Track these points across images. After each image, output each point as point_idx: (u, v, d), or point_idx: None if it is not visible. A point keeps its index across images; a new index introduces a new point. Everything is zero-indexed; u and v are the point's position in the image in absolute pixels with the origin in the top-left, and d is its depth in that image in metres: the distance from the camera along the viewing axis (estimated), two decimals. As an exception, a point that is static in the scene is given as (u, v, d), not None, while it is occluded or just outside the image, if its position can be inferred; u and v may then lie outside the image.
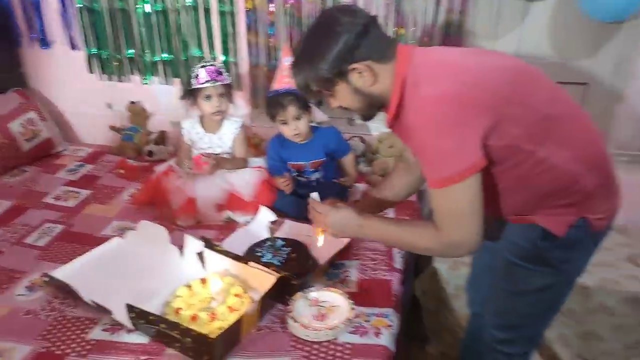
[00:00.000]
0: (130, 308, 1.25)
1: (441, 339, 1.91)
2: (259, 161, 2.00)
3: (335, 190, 1.92)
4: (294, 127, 1.77)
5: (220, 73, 1.85)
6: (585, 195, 1.10)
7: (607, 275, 1.72)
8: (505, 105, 1.02)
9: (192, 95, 1.88)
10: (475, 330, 1.47)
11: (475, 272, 1.52)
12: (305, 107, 1.77)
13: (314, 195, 1.31)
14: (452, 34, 2.00)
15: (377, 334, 1.26)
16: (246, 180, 1.86)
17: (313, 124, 1.89)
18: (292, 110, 1.74)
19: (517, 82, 1.06)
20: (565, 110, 1.10)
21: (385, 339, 1.25)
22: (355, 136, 2.26)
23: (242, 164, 1.95)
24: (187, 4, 2.24)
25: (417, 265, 2.00)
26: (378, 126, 2.24)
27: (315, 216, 1.28)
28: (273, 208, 1.79)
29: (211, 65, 1.85)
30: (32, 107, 2.45)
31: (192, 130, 1.97)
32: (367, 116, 1.20)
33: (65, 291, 1.42)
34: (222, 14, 2.23)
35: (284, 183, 1.81)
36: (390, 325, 1.30)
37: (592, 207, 1.12)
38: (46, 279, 1.46)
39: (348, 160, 1.97)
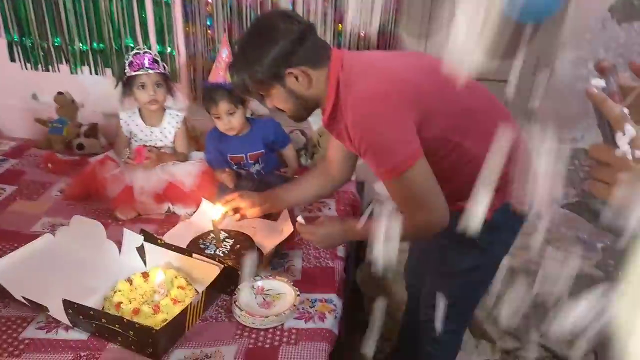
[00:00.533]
0: (68, 304, 1.20)
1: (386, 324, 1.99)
2: (199, 154, 1.98)
3: (277, 182, 1.94)
4: (226, 121, 1.76)
5: (155, 61, 1.80)
6: (507, 181, 1.18)
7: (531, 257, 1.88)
8: (428, 100, 1.10)
9: (127, 84, 1.81)
10: (412, 311, 1.56)
11: (412, 256, 1.61)
12: (239, 102, 1.75)
13: (299, 218, 1.38)
14: (386, 32, 2.09)
15: (322, 319, 1.30)
16: (187, 170, 1.83)
17: (251, 117, 1.90)
18: (223, 105, 1.72)
19: (436, 79, 1.11)
20: (482, 104, 1.20)
21: (330, 323, 1.29)
22: (295, 129, 2.28)
23: (183, 158, 1.92)
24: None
25: (358, 253, 2.07)
26: (318, 119, 2.28)
27: (304, 236, 1.36)
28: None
29: (145, 52, 1.80)
30: (-56, 98, 2.25)
31: (131, 122, 1.90)
32: (299, 117, 1.26)
33: (-8, 291, 1.33)
34: (156, 3, 2.17)
35: (225, 177, 1.81)
36: (333, 310, 1.34)
37: (512, 191, 1.19)
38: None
39: (288, 152, 1.99)
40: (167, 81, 1.87)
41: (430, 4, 2.03)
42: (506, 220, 1.25)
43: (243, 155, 1.87)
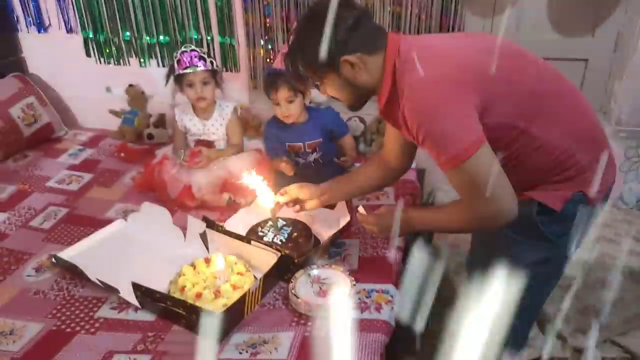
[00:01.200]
0: (137, 287, 1.28)
1: (442, 315, 1.94)
2: (256, 143, 2.01)
3: (335, 171, 1.93)
4: (285, 109, 1.76)
5: (202, 58, 1.82)
6: (579, 169, 1.11)
7: (607, 251, 1.75)
8: (491, 85, 1.04)
9: (177, 81, 1.86)
10: None
11: (474, 248, 1.54)
12: (298, 90, 1.75)
13: (360, 209, 1.37)
14: (448, 12, 1.99)
15: (378, 309, 1.29)
16: (242, 164, 1.84)
17: (311, 105, 1.90)
18: (283, 92, 1.72)
19: (502, 61, 1.05)
20: (552, 86, 1.11)
21: (386, 314, 1.28)
22: (354, 116, 2.26)
23: (237, 149, 1.94)
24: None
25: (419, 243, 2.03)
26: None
27: (365, 226, 1.34)
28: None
29: (192, 50, 1.82)
30: (31, 92, 2.45)
31: (184, 117, 1.94)
32: (355, 106, 1.22)
33: (72, 272, 1.45)
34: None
35: (284, 166, 1.82)
36: (390, 301, 1.33)
37: (586, 181, 1.13)
38: (53, 260, 1.49)
39: (347, 141, 1.97)
40: (216, 76, 1.88)
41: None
42: (579, 212, 1.16)
43: (301, 144, 1.88)
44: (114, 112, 2.52)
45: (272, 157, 1.89)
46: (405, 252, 1.63)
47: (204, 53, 1.85)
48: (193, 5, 2.27)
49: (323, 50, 1.08)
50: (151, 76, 2.49)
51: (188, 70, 1.80)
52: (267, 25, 2.21)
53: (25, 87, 2.44)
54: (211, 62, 1.85)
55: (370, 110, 2.23)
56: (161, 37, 2.38)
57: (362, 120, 2.27)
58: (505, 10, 1.95)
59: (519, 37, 1.92)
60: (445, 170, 1.07)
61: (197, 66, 1.80)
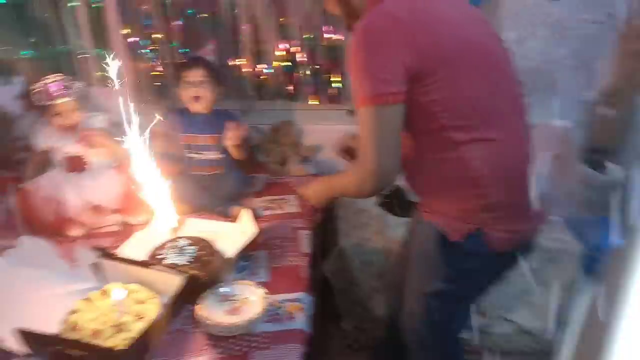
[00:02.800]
0: (22, 333, 1.13)
1: (353, 313, 2.00)
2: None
3: (234, 180, 1.90)
4: (195, 90, 1.77)
5: (69, 87, 1.71)
6: (486, 205, 1.07)
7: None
8: (438, 62, 0.99)
9: (41, 109, 1.71)
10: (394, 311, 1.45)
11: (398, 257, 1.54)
12: (213, 80, 1.79)
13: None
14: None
15: (292, 319, 1.28)
16: (106, 190, 1.74)
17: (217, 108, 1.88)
18: (197, 71, 1.76)
19: (473, 54, 1.03)
20: (505, 109, 1.07)
21: (300, 322, 1.27)
22: (251, 126, 2.24)
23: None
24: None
25: (324, 246, 2.07)
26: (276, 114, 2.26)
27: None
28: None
29: (57, 80, 1.70)
30: None
31: (48, 139, 1.77)
32: (347, 25, 1.18)
33: None
34: (89, 5, 2.06)
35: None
36: (303, 308, 1.32)
37: (491, 221, 1.08)
38: None
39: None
40: (87, 97, 1.79)
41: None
42: (478, 252, 1.11)
43: (201, 135, 1.84)
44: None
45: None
46: (313, 256, 1.64)
47: (69, 79, 1.73)
48: (58, 15, 2.08)
49: None
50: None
51: (57, 101, 1.68)
52: (146, 35, 2.11)
53: None
54: (78, 87, 1.75)
55: (265, 120, 2.25)
56: (25, 52, 2.15)
57: (258, 130, 2.26)
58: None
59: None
60: (357, 108, 1.02)
61: (66, 95, 1.69)
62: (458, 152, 1.04)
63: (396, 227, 1.92)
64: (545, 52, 2.10)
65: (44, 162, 1.77)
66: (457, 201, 1.10)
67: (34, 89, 1.69)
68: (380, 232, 1.92)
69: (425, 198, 1.21)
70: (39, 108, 1.72)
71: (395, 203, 2.00)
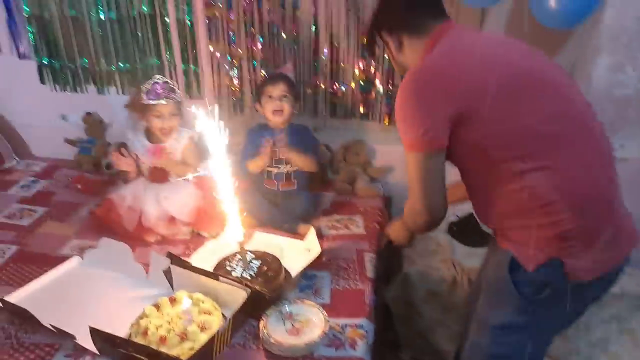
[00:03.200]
0: (95, 332, 1.19)
1: (413, 344, 1.92)
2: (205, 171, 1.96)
3: (304, 197, 1.92)
4: (277, 102, 1.83)
5: (172, 90, 1.80)
6: (562, 233, 1.03)
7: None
8: (481, 101, 1.02)
9: (142, 109, 1.81)
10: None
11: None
12: (293, 94, 1.87)
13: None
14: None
15: (353, 346, 1.25)
16: (182, 204, 1.78)
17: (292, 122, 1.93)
18: (280, 86, 1.83)
19: (515, 84, 1.04)
20: (569, 135, 1.04)
21: (361, 350, 1.24)
22: (321, 144, 2.25)
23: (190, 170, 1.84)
24: (144, 12, 2.18)
25: (388, 271, 2.01)
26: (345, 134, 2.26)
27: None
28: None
29: (164, 82, 1.79)
30: (-22, 120, 2.31)
31: (136, 142, 1.88)
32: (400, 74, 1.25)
33: (22, 317, 1.33)
34: (179, 22, 2.18)
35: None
36: (365, 336, 1.29)
37: (568, 250, 1.04)
38: (0, 304, 1.37)
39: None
40: (180, 106, 1.85)
41: (456, 11, 1.96)
42: (555, 282, 1.06)
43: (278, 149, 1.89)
44: (70, 141, 2.41)
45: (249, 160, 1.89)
46: (376, 282, 1.61)
47: (173, 85, 1.82)
48: (154, 31, 2.22)
49: (372, 24, 1.25)
50: (110, 104, 2.41)
51: (161, 102, 1.77)
52: (232, 52, 2.19)
53: (-28, 115, 2.31)
54: (179, 95, 1.83)
55: (337, 139, 2.25)
56: (120, 64, 2.31)
57: (328, 148, 2.26)
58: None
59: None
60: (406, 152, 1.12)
61: (168, 97, 1.78)
62: (523, 181, 1.03)
63: (466, 257, 1.84)
64: (644, 80, 1.94)
65: (132, 168, 1.87)
66: (532, 230, 1.06)
67: (142, 89, 1.79)
68: (447, 261, 1.84)
69: (499, 228, 1.17)
70: (141, 110, 1.81)
71: (466, 231, 1.91)
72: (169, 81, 1.82)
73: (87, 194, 2.09)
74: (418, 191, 1.11)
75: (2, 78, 2.46)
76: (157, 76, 1.82)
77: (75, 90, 2.42)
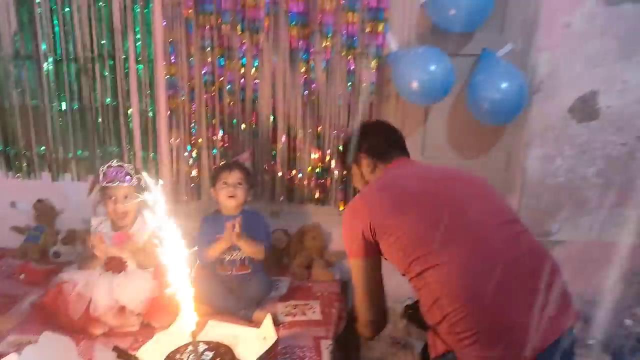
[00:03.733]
0: None
1: None
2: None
3: (262, 284, 1.91)
4: (232, 189, 1.89)
5: (128, 174, 1.83)
6: (451, 326, 1.14)
7: None
8: (388, 219, 1.27)
9: (100, 193, 1.84)
10: None
11: None
12: (248, 182, 1.95)
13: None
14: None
15: None
16: (136, 293, 1.74)
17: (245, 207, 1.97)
18: (236, 174, 1.91)
19: (406, 202, 1.29)
20: (461, 233, 1.20)
21: None
22: (279, 229, 2.28)
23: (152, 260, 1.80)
24: (107, 103, 2.25)
25: (346, 358, 1.98)
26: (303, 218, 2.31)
27: None
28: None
29: (119, 165, 1.83)
30: None
31: (100, 228, 1.89)
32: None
33: None
34: (142, 113, 2.26)
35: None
36: None
37: (460, 344, 1.13)
38: None
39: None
40: (140, 191, 1.83)
41: (402, 108, 2.14)
42: None
43: None
44: (17, 229, 2.33)
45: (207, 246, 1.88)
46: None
47: (131, 170, 1.85)
48: (116, 120, 2.28)
49: (353, 147, 1.51)
50: (63, 191, 2.38)
51: (113, 184, 1.80)
52: (192, 141, 2.26)
53: None
54: (138, 179, 1.84)
55: (294, 223, 2.29)
56: (79, 151, 2.33)
57: (286, 232, 2.29)
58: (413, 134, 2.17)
59: (424, 156, 2.14)
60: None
61: (122, 181, 1.81)
62: (424, 280, 1.19)
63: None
64: (572, 170, 2.14)
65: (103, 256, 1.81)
66: (435, 323, 1.19)
67: (98, 173, 1.83)
68: (406, 348, 1.84)
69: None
70: (100, 194, 1.84)
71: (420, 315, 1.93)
72: (124, 165, 1.85)
73: (30, 285, 1.99)
74: (357, 295, 1.36)
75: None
76: (114, 160, 1.86)
77: (29, 177, 2.39)
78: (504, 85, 1.86)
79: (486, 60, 1.96)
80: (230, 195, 1.90)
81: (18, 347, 1.55)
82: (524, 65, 2.02)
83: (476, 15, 1.83)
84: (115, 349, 1.43)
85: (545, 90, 2.06)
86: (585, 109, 2.06)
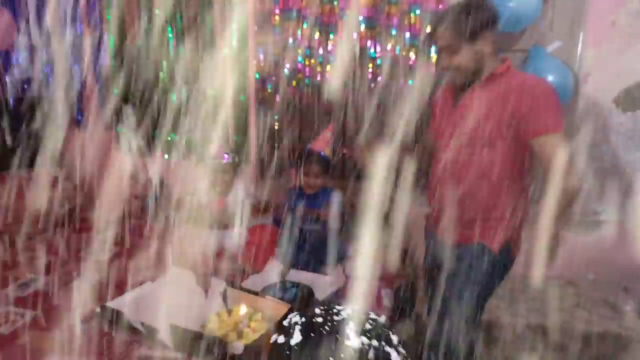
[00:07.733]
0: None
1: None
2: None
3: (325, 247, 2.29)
4: (312, 181, 2.24)
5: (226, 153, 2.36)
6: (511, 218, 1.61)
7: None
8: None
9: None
10: None
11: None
12: (324, 173, 2.25)
13: None
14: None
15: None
16: (236, 242, 2.25)
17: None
18: (315, 167, 2.23)
19: None
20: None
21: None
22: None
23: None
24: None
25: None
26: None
27: None
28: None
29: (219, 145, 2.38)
30: None
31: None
32: (465, 75, 1.56)
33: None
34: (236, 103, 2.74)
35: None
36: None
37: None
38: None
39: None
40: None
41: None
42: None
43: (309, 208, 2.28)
44: (139, 196, 2.89)
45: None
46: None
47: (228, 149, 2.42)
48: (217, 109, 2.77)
49: (477, 21, 1.44)
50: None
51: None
52: (276, 127, 2.70)
53: None
54: (232, 157, 2.39)
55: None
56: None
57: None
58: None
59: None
60: (547, 134, 1.45)
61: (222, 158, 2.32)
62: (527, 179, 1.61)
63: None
64: (617, 155, 2.33)
65: None
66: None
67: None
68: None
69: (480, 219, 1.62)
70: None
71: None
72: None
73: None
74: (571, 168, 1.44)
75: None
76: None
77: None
78: (551, 79, 2.11)
79: (535, 55, 2.21)
80: (308, 185, 2.28)
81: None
82: (572, 60, 2.25)
83: (524, 16, 2.09)
84: (226, 278, 1.87)
85: (592, 83, 2.27)
86: (629, 99, 2.25)
